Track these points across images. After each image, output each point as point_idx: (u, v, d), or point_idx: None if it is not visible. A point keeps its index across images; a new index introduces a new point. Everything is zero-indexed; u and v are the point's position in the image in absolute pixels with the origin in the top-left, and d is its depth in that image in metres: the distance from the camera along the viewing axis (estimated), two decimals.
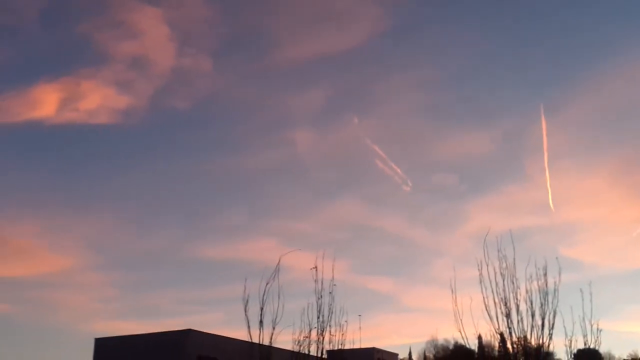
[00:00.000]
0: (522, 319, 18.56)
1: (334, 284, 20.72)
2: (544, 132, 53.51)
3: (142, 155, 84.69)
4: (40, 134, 76.80)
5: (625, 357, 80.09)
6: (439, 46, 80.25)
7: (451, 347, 78.97)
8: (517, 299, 18.69)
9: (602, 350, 22.68)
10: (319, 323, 20.48)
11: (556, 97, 76.44)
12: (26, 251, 74.82)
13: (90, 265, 78.93)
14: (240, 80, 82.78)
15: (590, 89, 74.67)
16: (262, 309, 19.44)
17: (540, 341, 18.47)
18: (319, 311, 20.51)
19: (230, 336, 39.42)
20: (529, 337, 18.57)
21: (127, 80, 71.34)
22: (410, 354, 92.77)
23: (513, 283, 18.84)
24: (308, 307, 20.51)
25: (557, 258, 19.54)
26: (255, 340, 19.34)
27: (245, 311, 19.44)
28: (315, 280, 20.57)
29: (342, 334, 21.11)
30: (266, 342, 19.39)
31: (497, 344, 20.10)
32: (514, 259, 19.08)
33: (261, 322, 19.41)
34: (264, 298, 19.50)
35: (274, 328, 19.43)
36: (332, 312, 20.58)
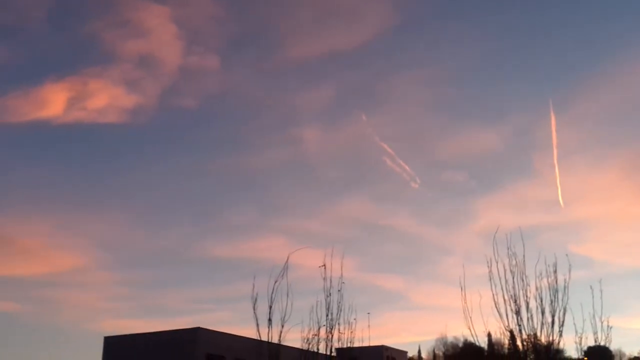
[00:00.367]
0: (532, 316, 18.45)
1: (343, 282, 20.72)
2: (553, 128, 53.33)
3: (151, 154, 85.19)
4: (48, 133, 77.44)
5: (636, 354, 79.88)
6: (447, 43, 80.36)
7: (461, 344, 78.95)
8: (526, 296, 18.58)
9: (613, 347, 22.64)
10: (327, 321, 20.47)
11: (565, 93, 76.30)
12: (36, 250, 75.47)
13: (99, 264, 79.45)
14: (248, 79, 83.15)
15: (599, 83, 74.49)
16: (270, 307, 19.46)
17: (550, 338, 18.37)
18: (327, 309, 20.50)
19: (239, 334, 39.54)
20: (538, 334, 18.48)
21: (134, 79, 71.77)
22: (419, 351, 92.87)
23: (523, 280, 18.73)
24: (317, 305, 20.52)
25: (567, 255, 19.40)
26: (264, 338, 19.35)
27: (254, 309, 19.47)
28: (324, 278, 20.57)
29: (351, 332, 21.11)
30: (275, 340, 19.41)
31: (506, 342, 20.04)
32: (524, 256, 18.96)
33: (270, 320, 19.43)
34: (273, 296, 19.52)
35: (282, 326, 19.45)
36: (341, 310, 20.58)
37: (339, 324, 20.57)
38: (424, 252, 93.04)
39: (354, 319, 20.98)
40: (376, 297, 74.73)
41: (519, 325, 18.54)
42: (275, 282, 19.56)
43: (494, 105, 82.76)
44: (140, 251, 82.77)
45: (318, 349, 20.43)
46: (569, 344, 19.27)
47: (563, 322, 18.37)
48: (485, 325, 19.05)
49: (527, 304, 18.53)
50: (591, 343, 19.18)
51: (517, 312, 18.52)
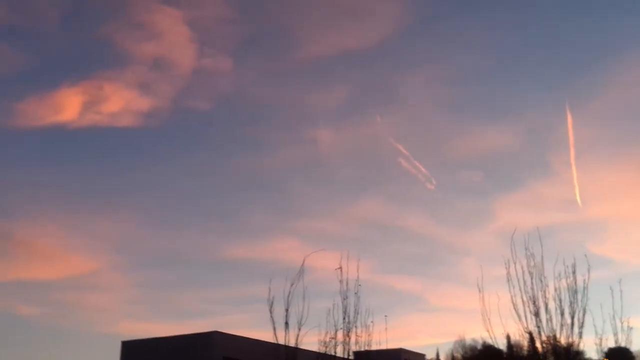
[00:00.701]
0: (551, 317, 18.29)
1: (359, 284, 20.62)
2: (570, 126, 52.54)
3: (165, 157, 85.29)
4: (63, 137, 77.83)
5: None
6: (462, 41, 79.61)
7: (479, 347, 78.34)
8: (545, 297, 18.44)
9: (634, 348, 22.32)
10: (344, 324, 20.40)
11: (581, 90, 75.23)
12: (52, 254, 75.97)
13: (116, 266, 79.74)
14: (261, 80, 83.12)
15: (616, 80, 73.39)
16: (287, 310, 19.44)
17: (570, 340, 18.19)
18: (344, 312, 20.45)
19: (256, 337, 39.52)
20: (558, 336, 18.29)
21: (148, 82, 72.06)
22: (437, 354, 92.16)
23: (541, 281, 18.60)
24: (333, 307, 20.47)
25: (585, 255, 19.19)
26: (281, 341, 19.32)
27: (271, 312, 19.46)
28: (340, 281, 20.53)
29: (369, 335, 21.03)
30: (292, 344, 19.35)
31: (526, 344, 19.85)
32: (542, 256, 18.84)
33: (287, 323, 19.38)
34: (289, 299, 19.48)
35: (299, 329, 19.41)
36: (357, 313, 20.52)
37: (356, 326, 20.50)
38: (441, 254, 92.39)
39: (371, 322, 20.91)
40: (393, 299, 74.24)
41: (538, 327, 18.39)
42: (292, 285, 19.55)
43: (509, 103, 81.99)
44: (156, 253, 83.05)
45: (335, 352, 20.34)
46: (589, 346, 19.08)
47: (583, 323, 18.20)
48: (504, 327, 18.90)
49: (546, 305, 18.38)
50: (611, 344, 18.98)
51: (536, 314, 18.35)
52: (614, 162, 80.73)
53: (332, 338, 20.27)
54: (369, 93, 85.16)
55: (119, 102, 69.86)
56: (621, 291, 18.55)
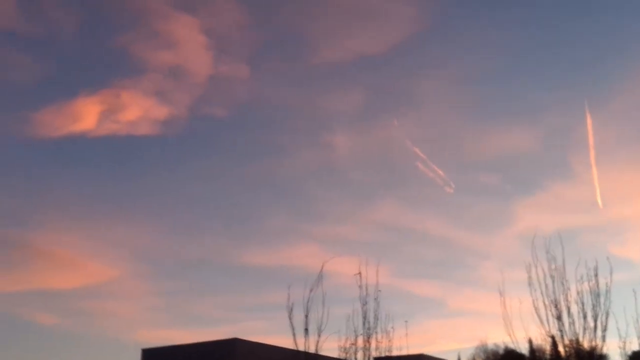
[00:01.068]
0: (573, 321, 18.10)
1: (379, 290, 20.55)
2: (589, 127, 51.99)
3: (183, 164, 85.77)
4: (81, 146, 78.69)
5: None
6: (478, 42, 79.14)
7: (501, 351, 77.74)
8: (567, 300, 18.26)
9: None
10: (364, 330, 20.31)
11: (601, 90, 74.37)
12: (72, 263, 76.68)
13: (134, 274, 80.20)
14: (278, 85, 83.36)
15: (636, 79, 72.67)
16: (306, 316, 19.38)
17: (593, 343, 17.99)
18: (364, 317, 20.33)
19: (274, 344, 39.54)
20: (581, 339, 18.10)
21: (165, 91, 72.65)
22: (459, 359, 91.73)
23: (563, 284, 18.42)
24: (353, 313, 20.35)
25: (607, 258, 18.99)
26: (301, 348, 19.27)
27: (290, 319, 19.42)
28: (360, 286, 20.41)
29: (389, 341, 20.89)
30: (312, 350, 19.31)
31: (548, 348, 19.67)
32: (563, 259, 18.65)
33: (306, 329, 19.35)
34: (308, 305, 19.46)
35: (319, 335, 19.35)
36: (377, 319, 20.38)
37: (376, 332, 20.40)
38: (461, 257, 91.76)
39: (392, 327, 20.78)
40: (413, 304, 73.79)
41: (561, 331, 18.24)
42: (311, 291, 19.49)
43: (528, 105, 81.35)
44: (174, 260, 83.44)
45: (356, 358, 20.28)
46: (613, 349, 18.86)
47: (606, 326, 18.01)
48: (526, 331, 18.76)
49: (568, 308, 18.21)
50: (635, 348, 18.83)
51: (559, 318, 18.21)
52: (634, 163, 79.83)
53: (353, 344, 20.20)
54: (385, 96, 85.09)
55: (136, 110, 70.49)
56: None
